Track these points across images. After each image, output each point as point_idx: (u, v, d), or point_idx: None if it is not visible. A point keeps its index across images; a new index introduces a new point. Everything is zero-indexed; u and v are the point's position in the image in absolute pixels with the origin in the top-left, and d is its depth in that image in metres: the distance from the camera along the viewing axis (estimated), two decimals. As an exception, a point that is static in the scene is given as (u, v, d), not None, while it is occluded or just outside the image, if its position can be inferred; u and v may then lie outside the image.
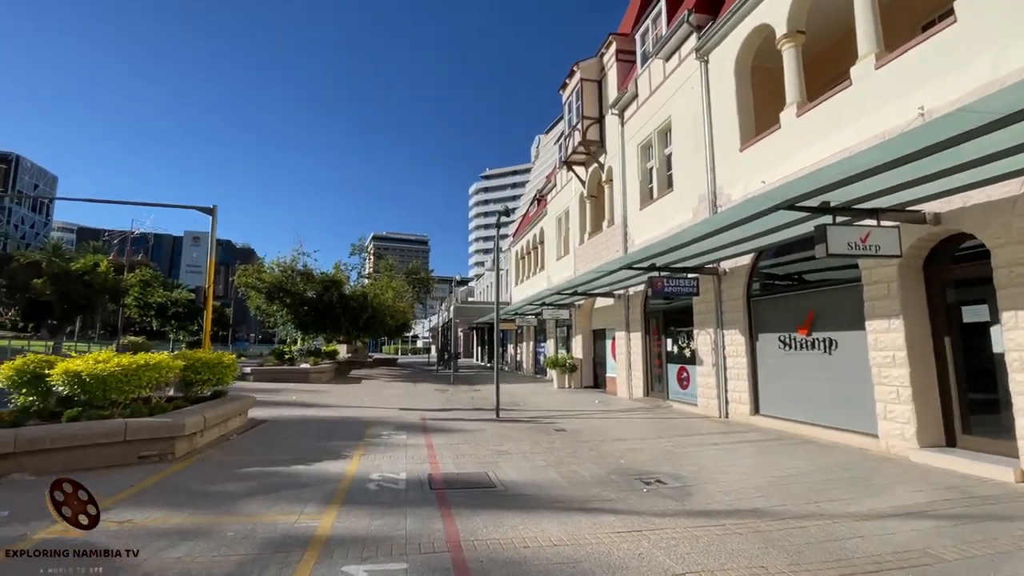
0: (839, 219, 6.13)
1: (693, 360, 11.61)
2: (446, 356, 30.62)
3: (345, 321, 23.31)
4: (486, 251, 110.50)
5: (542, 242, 25.34)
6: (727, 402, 10.34)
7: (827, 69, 10.50)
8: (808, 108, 8.51)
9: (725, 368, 10.40)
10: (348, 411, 11.36)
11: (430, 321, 55.88)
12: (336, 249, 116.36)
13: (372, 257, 36.05)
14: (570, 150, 17.88)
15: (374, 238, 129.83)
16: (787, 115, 8.94)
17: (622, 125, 15.50)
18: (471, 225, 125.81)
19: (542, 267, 24.88)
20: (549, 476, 5.81)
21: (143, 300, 29.79)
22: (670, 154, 13.30)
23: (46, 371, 6.43)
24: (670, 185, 13.06)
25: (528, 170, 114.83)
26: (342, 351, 35.31)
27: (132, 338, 25.78)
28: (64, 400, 6.54)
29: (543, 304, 18.56)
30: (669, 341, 12.91)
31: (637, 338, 14.18)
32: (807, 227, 7.36)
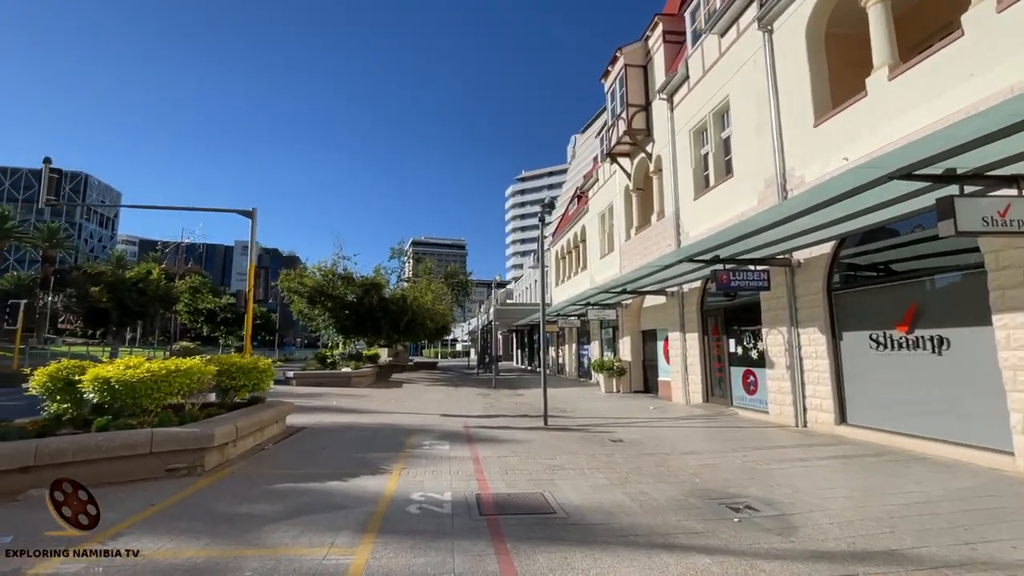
0: (968, 189, 5.04)
1: (761, 362, 10.47)
2: (487, 359, 30.06)
3: (385, 324, 23.10)
4: (523, 253, 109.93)
5: (584, 240, 24.40)
6: (804, 409, 9.18)
7: (913, 31, 9.24)
8: (903, 70, 7.33)
9: (801, 371, 9.24)
10: (388, 418, 10.86)
11: (469, 324, 55.67)
12: (374, 254, 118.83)
13: (411, 261, 36.00)
14: (614, 141, 16.93)
15: (413, 243, 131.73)
16: (876, 80, 7.77)
17: (671, 110, 14.45)
18: (507, 228, 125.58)
19: (584, 266, 23.93)
20: (616, 498, 4.99)
21: (193, 306, 30.90)
22: (727, 137, 12.19)
23: (77, 377, 6.14)
24: (728, 171, 11.95)
25: (564, 170, 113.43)
26: (383, 355, 35.40)
27: (184, 343, 26.62)
28: (98, 408, 6.24)
29: (588, 304, 17.66)
30: (731, 342, 11.77)
31: (694, 339, 13.08)
32: (909, 205, 6.28)
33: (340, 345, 26.53)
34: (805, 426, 9.09)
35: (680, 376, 13.59)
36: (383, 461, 6.51)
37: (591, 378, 22.17)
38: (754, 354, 10.86)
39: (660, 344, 15.61)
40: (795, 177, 9.42)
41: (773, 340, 9.99)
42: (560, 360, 28.70)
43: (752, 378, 10.96)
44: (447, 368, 40.33)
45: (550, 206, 10.34)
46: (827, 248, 8.74)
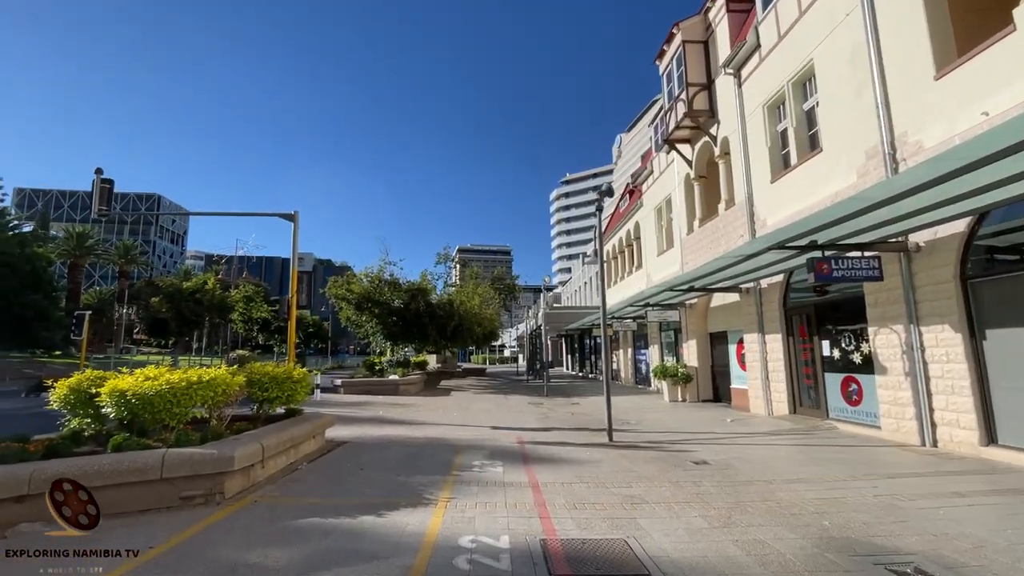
0: None
1: (867, 367, 8.81)
2: (536, 366, 28.95)
3: (432, 330, 22.51)
4: (570, 257, 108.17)
5: (637, 238, 22.89)
6: (932, 425, 7.50)
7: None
8: (1072, -10, 5.71)
9: (926, 378, 7.58)
10: (435, 430, 9.98)
11: (517, 329, 54.79)
12: (419, 262, 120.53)
13: (458, 266, 35.55)
14: (672, 126, 15.51)
15: (458, 251, 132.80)
16: (1028, 9, 6.15)
17: (739, 86, 12.93)
18: (553, 232, 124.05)
19: (638, 265, 22.42)
20: (724, 550, 3.78)
21: (247, 315, 31.72)
22: (811, 108, 10.61)
23: (95, 390, 5.58)
24: (815, 146, 10.37)
25: (610, 171, 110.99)
26: (432, 361, 35.04)
27: (240, 351, 27.31)
28: (128, 424, 5.67)
29: (646, 304, 16.24)
30: (825, 344, 10.11)
31: (775, 341, 11.46)
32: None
33: (388, 352, 26.24)
34: (934, 445, 7.42)
35: (759, 384, 11.97)
36: (427, 487, 5.56)
37: (650, 385, 20.61)
38: (856, 357, 9.20)
39: (732, 348, 13.98)
40: (909, 144, 7.81)
41: (884, 340, 8.34)
42: (615, 366, 27.16)
43: (854, 386, 9.29)
44: (496, 375, 39.52)
45: (608, 192, 9.18)
46: (960, 226, 7.09)
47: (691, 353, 15.97)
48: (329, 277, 23.27)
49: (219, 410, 6.20)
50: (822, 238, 7.67)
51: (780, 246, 7.77)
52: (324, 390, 18.42)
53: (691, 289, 12.78)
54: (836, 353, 9.79)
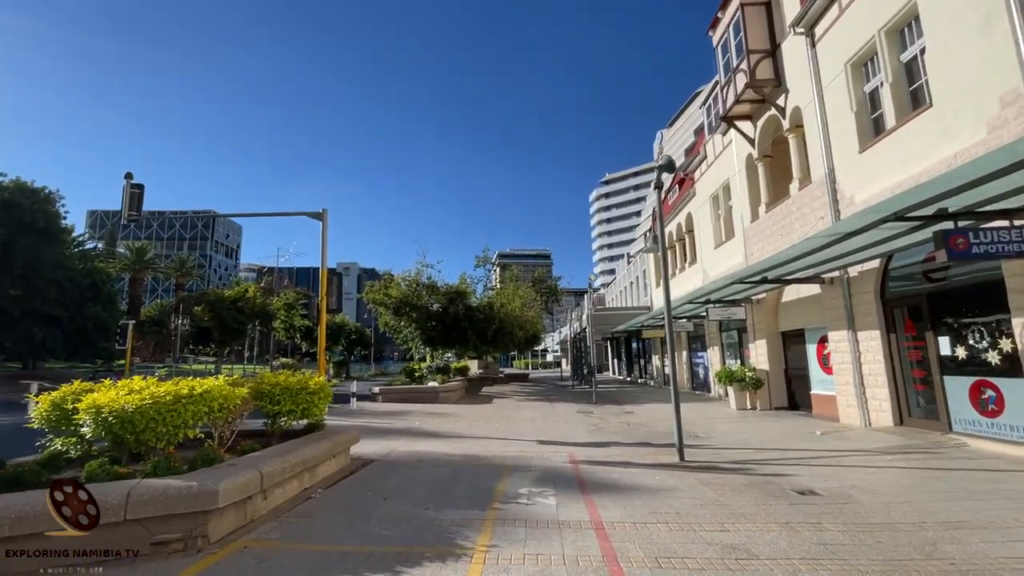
0: None
1: (1011, 369, 7.01)
2: (582, 370, 27.47)
3: (472, 334, 21.51)
4: (611, 258, 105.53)
5: (690, 231, 21.13)
6: (1120, 445, 5.68)
7: None
8: None
9: (1108, 383, 5.77)
10: (475, 445, 8.85)
11: (560, 333, 53.34)
12: (457, 267, 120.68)
13: (497, 269, 34.55)
14: (731, 101, 13.86)
15: (498, 256, 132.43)
16: None
17: (812, 46, 11.22)
18: (593, 233, 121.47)
19: (692, 260, 20.65)
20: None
21: (288, 322, 31.87)
22: (912, 59, 8.86)
23: (73, 406, 4.77)
24: (919, 103, 8.62)
25: (651, 169, 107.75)
26: (473, 367, 34.16)
27: (284, 359, 27.40)
28: (118, 443, 4.83)
29: (707, 301, 14.56)
30: (944, 341, 8.28)
31: (872, 339, 9.67)
32: None
33: (428, 358, 25.48)
34: None
35: (851, 389, 10.17)
36: (460, 529, 4.39)
37: (709, 391, 18.80)
38: (992, 357, 7.38)
39: (811, 348, 12.16)
40: (1068, 80, 6.05)
41: (1037, 335, 6.54)
42: (667, 370, 25.32)
43: (990, 393, 7.46)
44: (539, 380, 38.22)
45: (668, 167, 7.82)
46: None
47: (759, 355, 14.18)
48: (345, 267, 22.74)
49: (220, 428, 5.28)
50: (954, 205, 6.04)
51: (898, 217, 6.16)
52: (360, 398, 17.75)
53: (763, 281, 11.12)
54: (961, 352, 7.96)
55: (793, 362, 13.43)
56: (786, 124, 12.40)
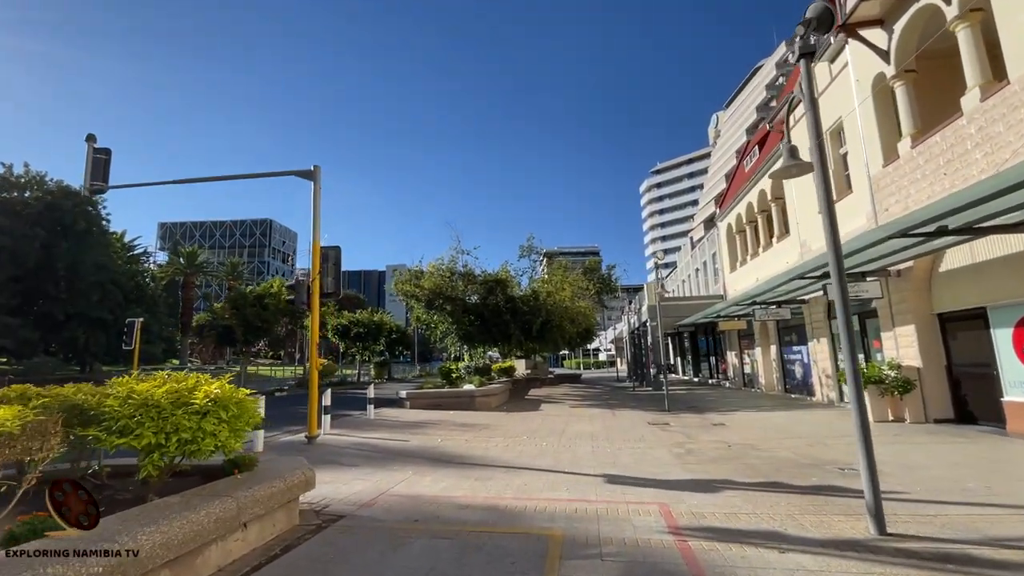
0: None
1: None
2: (653, 371, 23.82)
3: (515, 328, 18.58)
4: (665, 251, 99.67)
5: (778, 198, 17.25)
6: None
7: None
8: None
9: None
10: (509, 483, 5.88)
11: (615, 329, 49.54)
12: (498, 261, 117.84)
13: (544, 259, 31.42)
14: (853, 1, 10.16)
15: (544, 254, 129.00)
16: None
17: None
18: (645, 226, 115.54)
19: (784, 232, 16.77)
20: None
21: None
22: None
23: None
24: None
25: (707, 155, 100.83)
26: (520, 368, 31.21)
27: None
28: None
29: (823, 275, 10.83)
30: None
31: None
32: None
33: (466, 357, 22.82)
34: None
35: (1107, 396, 6.38)
36: None
37: (811, 394, 14.94)
38: None
39: (1002, 334, 8.34)
40: None
41: None
42: (745, 368, 21.37)
43: None
44: (593, 381, 34.82)
45: (821, 18, 4.50)
46: None
47: (904, 347, 10.36)
48: (394, 269, 20.27)
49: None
50: None
51: None
52: (383, 404, 15.24)
53: (943, 232, 7.41)
54: None
55: (962, 356, 9.55)
56: (952, 11, 8.60)
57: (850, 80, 11.71)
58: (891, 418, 10.07)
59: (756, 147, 20.18)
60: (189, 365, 43.55)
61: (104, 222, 31.03)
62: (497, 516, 4.62)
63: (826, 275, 10.69)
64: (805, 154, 5.38)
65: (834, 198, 13.12)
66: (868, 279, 10.69)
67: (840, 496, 5.00)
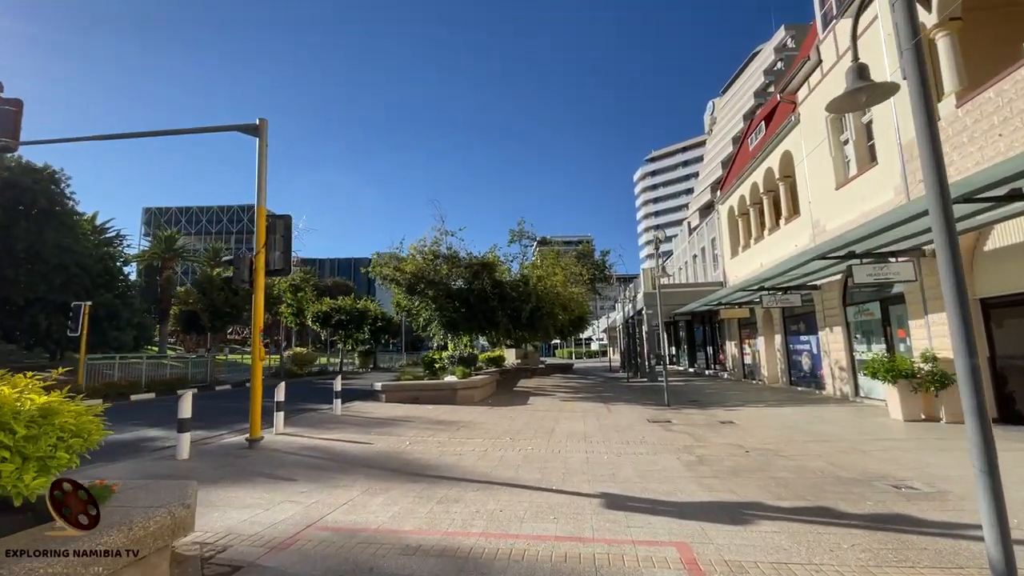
0: None
1: None
2: (651, 361, 22.65)
3: (503, 316, 17.24)
4: (667, 234, 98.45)
5: (787, 176, 15.98)
6: None
7: None
8: None
9: None
10: (482, 506, 4.57)
11: (608, 319, 48.45)
12: (487, 246, 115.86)
13: (536, 245, 30.03)
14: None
15: (536, 240, 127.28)
16: None
17: None
18: (639, 215, 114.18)
19: (792, 213, 15.52)
20: None
21: (296, 307, 28.33)
22: None
23: None
24: None
25: (702, 143, 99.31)
26: (510, 357, 29.90)
27: (298, 349, 24.18)
28: None
29: (849, 254, 9.55)
30: None
31: None
32: None
33: (450, 346, 21.49)
34: None
35: None
36: None
37: (821, 387, 13.81)
38: None
39: (1064, 321, 7.12)
40: None
41: None
42: (746, 359, 20.25)
43: None
44: (585, 371, 33.70)
45: None
46: None
47: (937, 336, 9.17)
48: (373, 253, 18.77)
49: None
50: None
51: None
52: (357, 396, 13.92)
53: (1009, 198, 6.12)
54: None
55: (1009, 347, 8.36)
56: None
57: (879, 35, 10.37)
58: (923, 417, 8.91)
59: (762, 122, 18.84)
60: (170, 354, 41.82)
61: (69, 202, 29.09)
62: (454, 569, 3.30)
63: (850, 255, 9.44)
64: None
65: (854, 172, 11.70)
66: (899, 259, 9.44)
67: (918, 533, 3.75)
